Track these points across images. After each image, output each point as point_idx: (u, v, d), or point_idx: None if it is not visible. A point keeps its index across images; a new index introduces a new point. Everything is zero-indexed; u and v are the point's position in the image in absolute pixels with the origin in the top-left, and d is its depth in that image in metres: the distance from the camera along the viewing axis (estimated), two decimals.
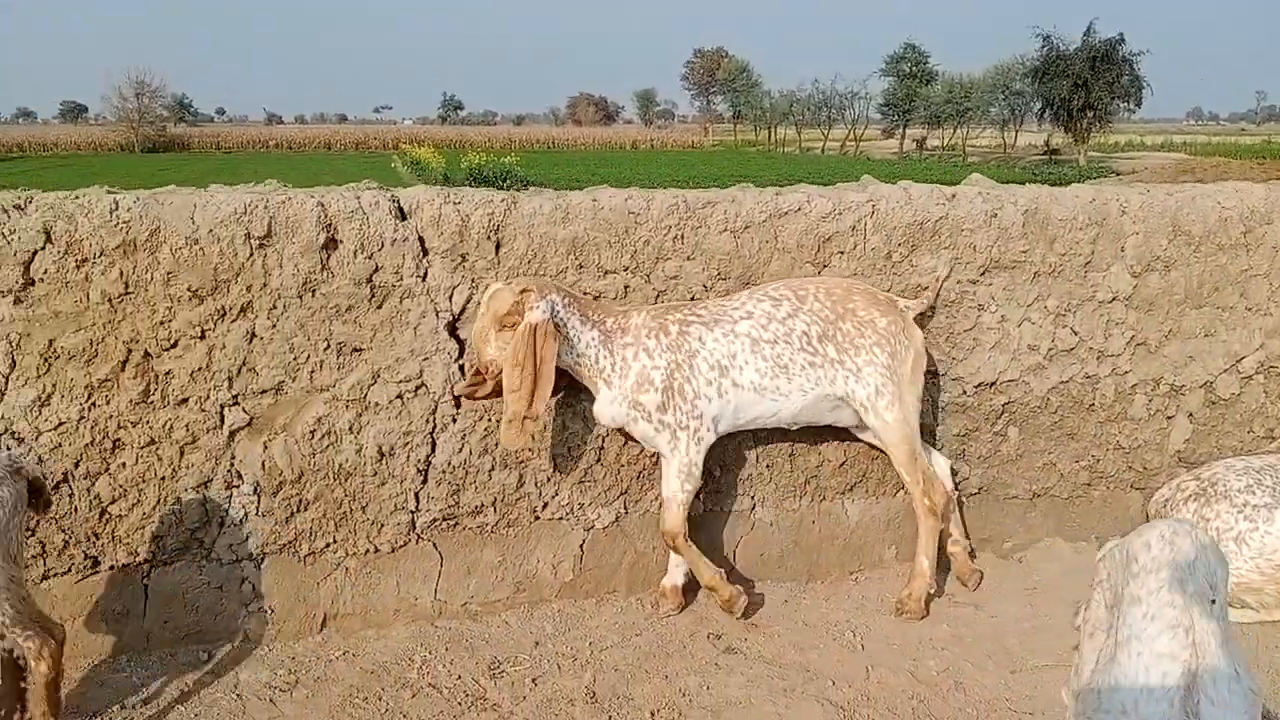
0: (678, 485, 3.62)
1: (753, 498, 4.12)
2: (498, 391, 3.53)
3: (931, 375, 4.14)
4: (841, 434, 4.10)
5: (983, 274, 4.13)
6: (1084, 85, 42.33)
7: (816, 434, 4.09)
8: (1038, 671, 3.53)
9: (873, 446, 4.10)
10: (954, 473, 4.25)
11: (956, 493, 4.14)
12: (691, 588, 3.94)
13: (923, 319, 4.01)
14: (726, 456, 4.03)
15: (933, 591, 3.89)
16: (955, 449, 4.26)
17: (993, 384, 4.22)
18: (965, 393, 4.21)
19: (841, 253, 3.99)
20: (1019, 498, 4.40)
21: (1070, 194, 4.28)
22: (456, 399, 3.72)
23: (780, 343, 3.64)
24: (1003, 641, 3.72)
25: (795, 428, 3.87)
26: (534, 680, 3.49)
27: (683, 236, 3.86)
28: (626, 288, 3.84)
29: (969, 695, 3.41)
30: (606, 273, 3.82)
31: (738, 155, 61.65)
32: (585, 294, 3.74)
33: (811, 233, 3.95)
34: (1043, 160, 47.58)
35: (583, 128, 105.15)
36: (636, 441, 3.82)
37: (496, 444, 3.77)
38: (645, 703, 3.36)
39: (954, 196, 4.12)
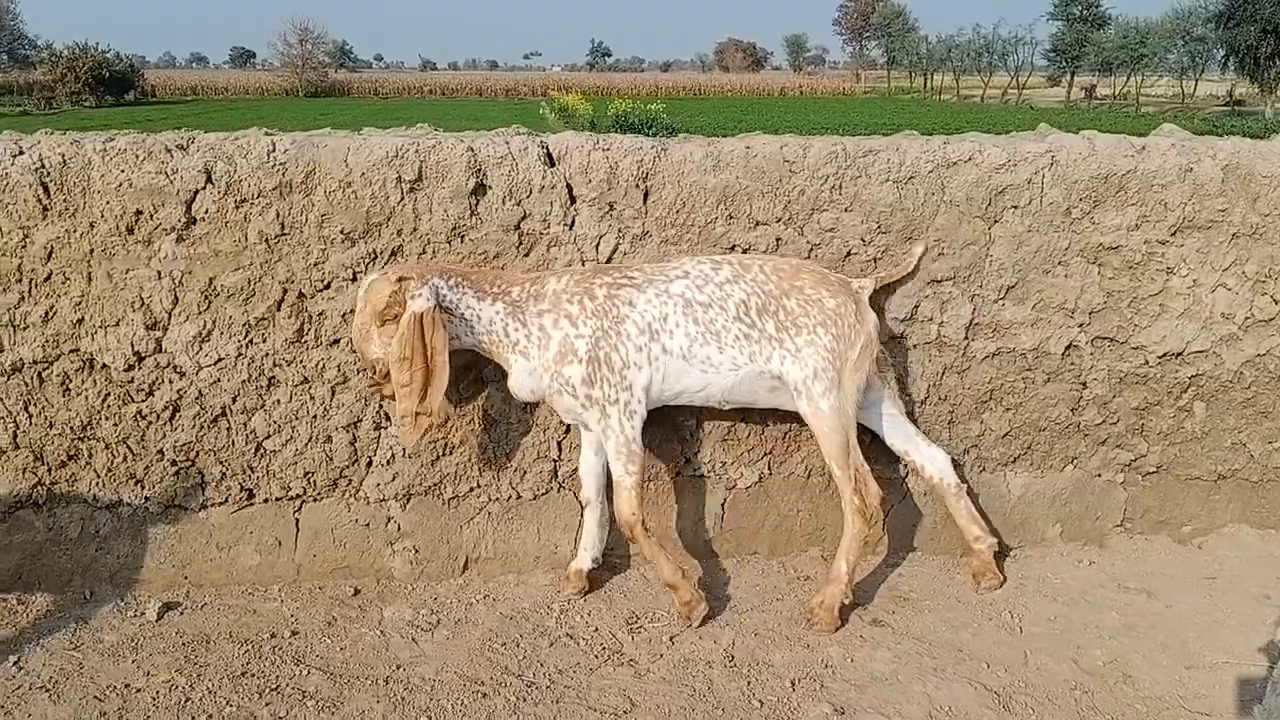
0: (621, 469, 3.35)
1: (906, 465, 3.91)
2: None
3: (1108, 342, 3.83)
4: (1004, 402, 3.85)
5: (1173, 234, 3.76)
6: (1274, 31, 38.98)
7: (977, 400, 3.85)
8: (1217, 670, 3.23)
9: (1032, 419, 3.83)
10: (1129, 449, 3.94)
11: (965, 484, 3.75)
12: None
13: (887, 293, 3.71)
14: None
15: (847, 601, 3.48)
16: (1132, 423, 3.93)
17: (1179, 355, 3.86)
18: (1147, 363, 3.87)
19: (1015, 207, 3.70)
20: (1202, 479, 4.04)
21: (1277, 147, 3.86)
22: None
23: (715, 307, 3.33)
24: (1178, 634, 3.43)
25: (728, 408, 3.56)
26: (671, 639, 3.42)
27: (840, 186, 3.64)
28: (779, 240, 3.66)
29: (1138, 690, 3.15)
30: (758, 224, 3.65)
31: (892, 103, 59.56)
32: (482, 264, 3.51)
33: (982, 185, 3.68)
34: (1225, 112, 44.15)
35: (730, 74, 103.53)
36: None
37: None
38: (785, 670, 3.25)
39: (1144, 148, 3.76)
